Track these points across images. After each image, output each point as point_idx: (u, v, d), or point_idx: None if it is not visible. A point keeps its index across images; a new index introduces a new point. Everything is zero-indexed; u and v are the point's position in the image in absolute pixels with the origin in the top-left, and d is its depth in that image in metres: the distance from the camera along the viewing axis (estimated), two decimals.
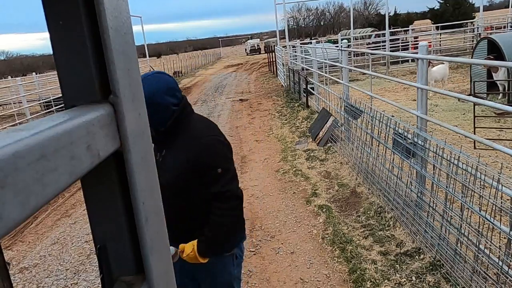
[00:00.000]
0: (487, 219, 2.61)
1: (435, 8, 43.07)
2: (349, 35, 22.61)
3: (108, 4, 0.37)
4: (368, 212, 4.16)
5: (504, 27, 19.84)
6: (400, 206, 3.79)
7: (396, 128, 4.03)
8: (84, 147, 0.32)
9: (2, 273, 0.32)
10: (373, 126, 4.67)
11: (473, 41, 17.17)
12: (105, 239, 0.42)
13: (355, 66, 13.66)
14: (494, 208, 2.62)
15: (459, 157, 2.92)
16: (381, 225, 3.87)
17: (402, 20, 50.51)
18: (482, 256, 2.67)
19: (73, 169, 0.30)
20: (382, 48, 18.37)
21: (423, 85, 3.66)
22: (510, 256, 2.46)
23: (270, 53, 21.77)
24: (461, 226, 2.88)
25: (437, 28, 24.65)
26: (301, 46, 14.02)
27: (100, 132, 0.35)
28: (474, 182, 2.74)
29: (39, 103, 14.33)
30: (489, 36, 9.44)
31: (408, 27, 26.67)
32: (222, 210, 1.79)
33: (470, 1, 40.48)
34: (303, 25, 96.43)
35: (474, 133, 5.59)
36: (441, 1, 41.26)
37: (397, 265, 3.23)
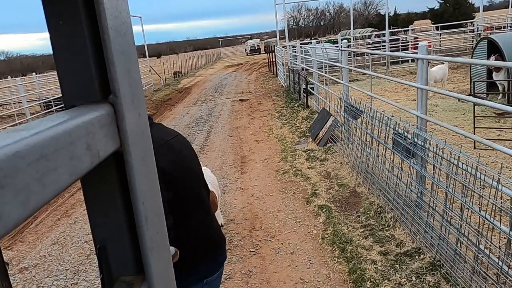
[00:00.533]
0: (487, 219, 2.60)
1: (435, 8, 43.09)
2: (349, 35, 22.61)
3: (108, 4, 0.37)
4: (368, 212, 4.17)
5: (504, 27, 19.86)
6: (400, 206, 3.79)
7: (396, 128, 4.03)
8: (84, 147, 0.32)
9: (2, 273, 0.32)
10: (373, 126, 4.67)
11: (473, 41, 17.19)
12: (105, 239, 0.42)
13: (355, 66, 13.66)
14: (494, 208, 2.62)
15: (459, 157, 2.92)
16: (381, 225, 3.87)
17: (402, 20, 50.51)
18: (482, 256, 2.67)
19: (73, 169, 0.30)
20: (382, 48, 18.37)
21: (423, 85, 3.66)
22: (510, 256, 2.46)
23: (270, 53, 21.78)
24: (461, 226, 2.88)
25: (437, 28, 24.68)
26: (301, 46, 14.01)
27: (100, 132, 0.35)
28: (474, 182, 2.74)
29: (39, 103, 14.34)
30: (489, 36, 9.44)
31: (408, 27, 26.68)
32: None
33: (470, 1, 40.48)
34: (303, 25, 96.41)
35: (474, 133, 5.59)
36: (441, 1, 41.27)
37: (397, 265, 3.24)
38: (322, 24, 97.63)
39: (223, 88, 18.06)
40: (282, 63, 15.49)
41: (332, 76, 8.54)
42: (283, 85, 14.68)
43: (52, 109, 13.45)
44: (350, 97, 5.99)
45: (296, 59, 13.58)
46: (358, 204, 4.46)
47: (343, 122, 6.16)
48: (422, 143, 3.53)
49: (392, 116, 4.26)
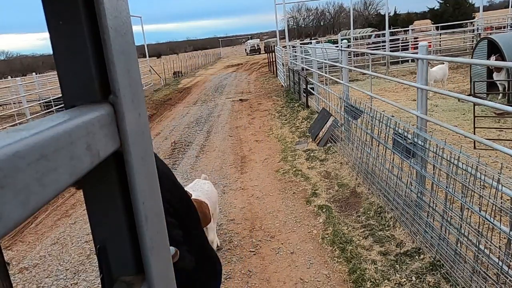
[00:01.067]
0: (487, 219, 2.60)
1: (435, 8, 43.07)
2: (349, 35, 22.61)
3: (108, 4, 0.37)
4: (368, 212, 4.17)
5: (504, 27, 19.85)
6: (400, 206, 3.79)
7: (396, 128, 4.03)
8: (84, 147, 0.32)
9: (3, 273, 0.32)
10: (373, 126, 4.67)
11: (473, 41, 17.19)
12: (105, 239, 0.42)
13: (355, 66, 13.66)
14: (494, 208, 2.62)
15: (459, 157, 2.92)
16: (381, 225, 3.87)
17: (402, 20, 50.47)
18: (482, 256, 2.67)
19: (73, 169, 0.30)
20: (382, 48, 18.38)
21: (423, 85, 3.66)
22: (510, 256, 2.46)
23: (270, 53, 21.78)
24: (461, 226, 2.88)
25: (437, 28, 24.69)
26: (301, 46, 14.01)
27: (100, 132, 0.35)
28: (474, 182, 2.74)
29: (39, 103, 14.34)
30: (489, 36, 9.44)
31: (408, 27, 26.66)
32: None
33: (470, 1, 40.47)
34: (303, 25, 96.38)
35: (474, 133, 5.59)
36: (441, 1, 41.25)
37: (397, 265, 3.23)
38: (322, 24, 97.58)
39: (223, 88, 18.06)
40: (282, 63, 15.48)
41: (332, 76, 8.54)
42: (283, 85, 14.68)
43: (52, 109, 13.45)
44: (350, 97, 5.99)
45: (296, 59, 13.57)
46: (358, 204, 4.46)
47: (343, 122, 6.16)
48: (422, 143, 3.53)
49: (392, 116, 4.26)
